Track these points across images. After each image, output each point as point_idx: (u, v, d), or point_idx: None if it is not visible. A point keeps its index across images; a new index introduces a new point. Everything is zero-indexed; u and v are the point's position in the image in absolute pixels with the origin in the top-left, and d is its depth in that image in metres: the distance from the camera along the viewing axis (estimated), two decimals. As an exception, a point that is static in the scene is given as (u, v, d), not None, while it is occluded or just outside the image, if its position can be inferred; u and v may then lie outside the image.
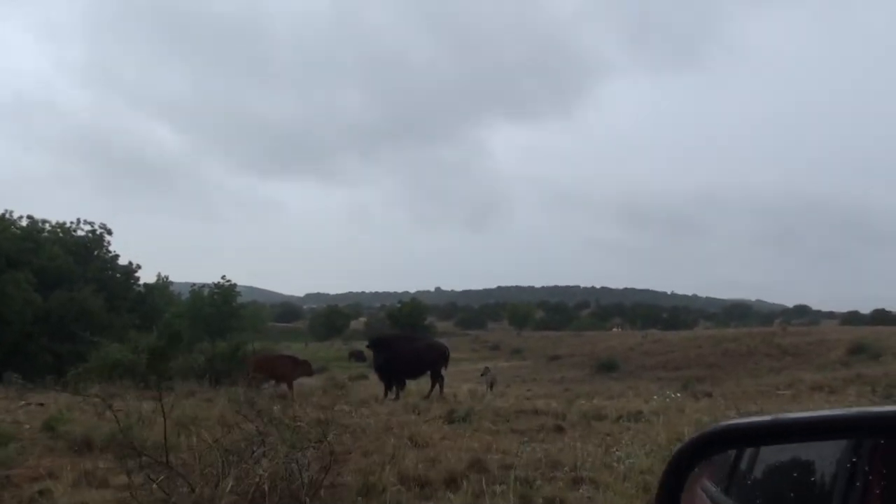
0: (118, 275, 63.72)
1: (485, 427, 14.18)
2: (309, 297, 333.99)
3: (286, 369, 25.00)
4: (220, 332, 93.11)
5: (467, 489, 7.91)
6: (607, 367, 59.98)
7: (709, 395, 28.72)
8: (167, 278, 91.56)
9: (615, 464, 9.42)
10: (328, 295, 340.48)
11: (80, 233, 62.71)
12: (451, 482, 8.35)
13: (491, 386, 38.23)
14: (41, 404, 18.16)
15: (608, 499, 7.72)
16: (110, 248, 63.87)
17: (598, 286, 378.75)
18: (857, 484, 1.67)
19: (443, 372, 25.94)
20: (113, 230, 64.55)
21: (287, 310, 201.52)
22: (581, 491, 8.23)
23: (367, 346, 26.91)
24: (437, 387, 25.23)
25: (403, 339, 28.23)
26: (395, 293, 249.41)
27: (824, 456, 1.83)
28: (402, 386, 24.81)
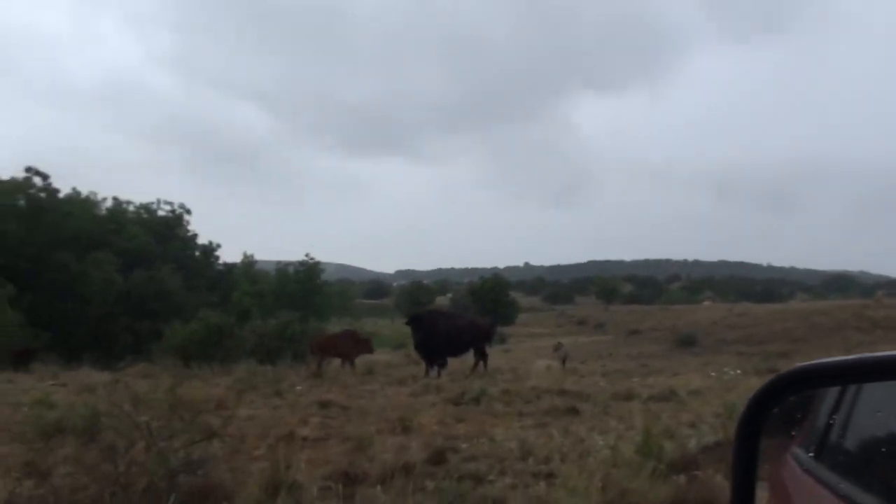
0: (197, 253, 64.87)
1: (494, 410, 13.23)
2: (399, 273, 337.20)
3: (347, 347, 25.00)
4: (304, 309, 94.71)
5: (392, 487, 7.00)
6: (687, 341, 57.85)
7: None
8: (252, 257, 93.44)
9: (594, 454, 8.36)
10: (418, 272, 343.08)
11: (160, 213, 63.90)
12: (390, 478, 7.46)
13: (563, 361, 37.39)
14: (64, 384, 18.02)
15: (555, 499, 6.70)
16: (189, 228, 64.99)
17: (689, 259, 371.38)
18: None
19: (487, 349, 25.07)
20: (192, 210, 65.73)
21: (376, 287, 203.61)
22: (532, 490, 7.22)
23: (406, 323, 26.20)
24: (482, 364, 24.39)
25: (444, 315, 27.24)
26: (485, 269, 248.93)
27: None
28: (443, 364, 24.02)
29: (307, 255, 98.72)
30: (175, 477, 5.85)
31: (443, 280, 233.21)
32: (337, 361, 25.31)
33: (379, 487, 7.09)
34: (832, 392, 2.17)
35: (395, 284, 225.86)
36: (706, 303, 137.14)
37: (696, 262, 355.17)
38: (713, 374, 23.46)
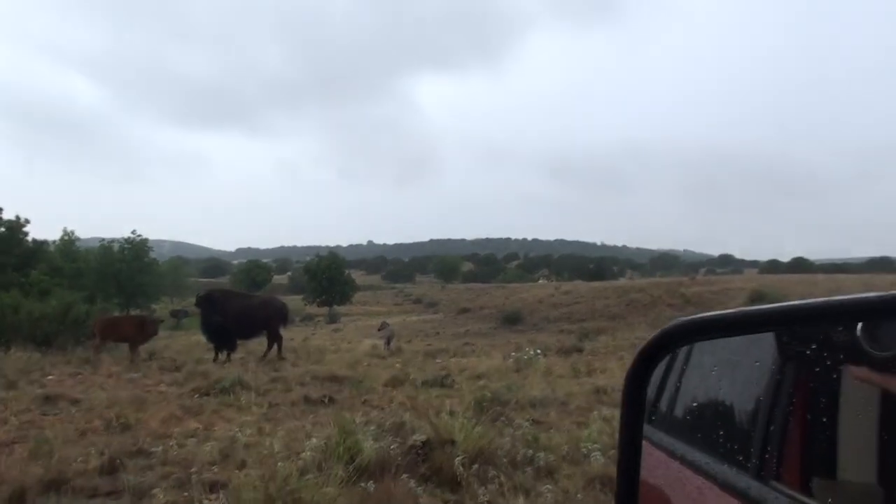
0: (2, 229, 59.88)
1: (242, 402, 11.99)
2: (240, 252, 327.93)
3: (132, 331, 22.83)
4: (131, 289, 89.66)
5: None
6: (512, 319, 58.51)
7: (579, 350, 27.18)
8: (73, 233, 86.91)
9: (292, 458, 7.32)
10: (259, 250, 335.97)
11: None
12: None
13: (388, 342, 36.58)
14: None
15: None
16: (-10, 202, 59.85)
17: (529, 238, 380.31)
18: (784, 383, 1.72)
19: (281, 331, 23.76)
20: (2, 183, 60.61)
21: (213, 265, 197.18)
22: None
23: (195, 304, 24.52)
24: (276, 347, 23.07)
25: (234, 295, 25.59)
26: (327, 247, 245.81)
27: (750, 362, 1.88)
28: (232, 348, 22.55)
29: (133, 232, 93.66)
30: None
31: (283, 258, 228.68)
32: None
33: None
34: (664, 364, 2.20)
35: (234, 263, 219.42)
36: (540, 281, 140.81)
37: (536, 241, 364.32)
38: (514, 354, 23.10)
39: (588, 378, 16.31)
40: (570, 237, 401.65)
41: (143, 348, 23.15)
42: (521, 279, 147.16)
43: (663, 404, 2.25)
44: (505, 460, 7.33)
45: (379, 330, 39.41)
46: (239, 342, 23.19)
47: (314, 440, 7.71)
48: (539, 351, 23.60)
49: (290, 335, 53.08)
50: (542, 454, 7.77)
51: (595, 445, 8.17)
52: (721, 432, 1.92)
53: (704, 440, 1.97)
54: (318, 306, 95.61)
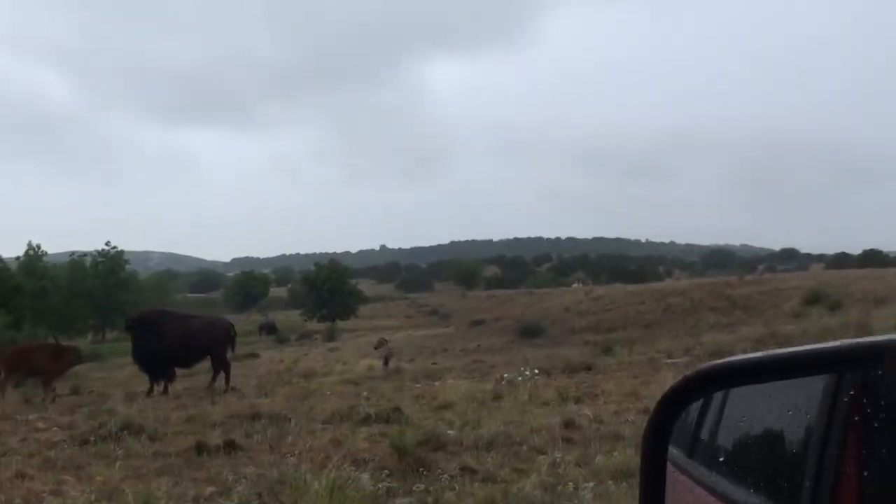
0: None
1: (118, 453, 11.16)
2: (235, 262, 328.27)
3: (45, 361, 22.09)
4: (107, 308, 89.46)
5: None
6: (530, 332, 57.43)
7: (588, 368, 26.14)
8: (38, 247, 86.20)
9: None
10: (258, 259, 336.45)
11: None
12: None
13: (386, 361, 36.09)
14: None
15: None
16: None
17: (563, 237, 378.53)
18: (835, 423, 1.72)
19: (228, 357, 22.96)
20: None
21: (205, 278, 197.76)
22: None
23: (126, 327, 23.82)
24: (223, 377, 22.27)
25: (172, 316, 24.57)
26: (334, 254, 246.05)
27: (798, 400, 1.89)
28: (169, 377, 21.81)
29: (107, 244, 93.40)
30: None
31: (285, 268, 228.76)
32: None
33: None
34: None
35: (231, 275, 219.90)
36: (575, 285, 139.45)
37: (571, 240, 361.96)
38: (506, 375, 22.25)
39: (574, 406, 15.40)
40: (610, 234, 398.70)
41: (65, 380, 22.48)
42: (554, 283, 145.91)
43: (704, 436, 2.30)
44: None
45: (376, 348, 38.76)
46: (179, 371, 22.51)
47: None
48: (536, 371, 22.64)
49: (281, 357, 52.59)
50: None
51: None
52: (769, 471, 1.93)
53: (750, 477, 1.96)
54: (319, 321, 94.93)
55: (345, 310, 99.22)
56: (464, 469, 9.36)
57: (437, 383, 24.21)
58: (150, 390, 21.29)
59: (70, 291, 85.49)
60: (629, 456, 8.83)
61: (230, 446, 11.15)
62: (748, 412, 2.09)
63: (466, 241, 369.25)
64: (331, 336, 74.39)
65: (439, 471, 8.99)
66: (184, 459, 10.63)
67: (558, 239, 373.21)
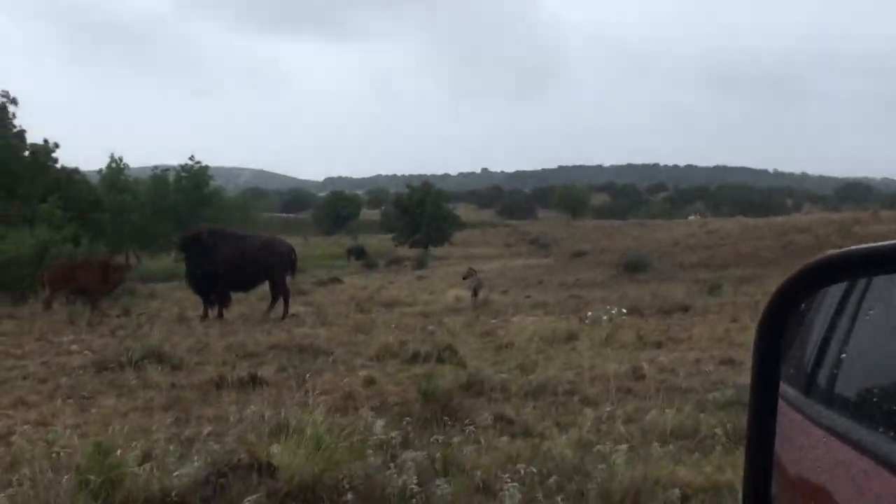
0: (25, 154, 61.05)
1: (132, 383, 11.04)
2: (329, 181, 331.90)
3: (91, 279, 22.31)
4: (191, 225, 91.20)
5: None
6: (634, 266, 56.19)
7: (685, 309, 25.28)
8: (121, 160, 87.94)
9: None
10: (352, 179, 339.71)
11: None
12: None
13: (475, 293, 35.93)
14: None
15: None
16: (15, 123, 60.86)
17: (682, 165, 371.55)
18: None
19: (288, 282, 22.75)
20: (19, 100, 61.52)
21: (295, 197, 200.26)
22: None
23: (178, 248, 23.81)
24: (282, 302, 22.13)
25: (228, 236, 24.13)
26: (432, 176, 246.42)
27: None
28: (223, 302, 21.78)
29: (191, 158, 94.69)
30: None
31: (379, 189, 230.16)
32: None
33: None
34: (821, 317, 2.14)
35: (323, 195, 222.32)
36: (692, 217, 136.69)
37: (690, 168, 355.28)
38: (591, 313, 21.65)
39: (653, 351, 14.73)
40: (733, 163, 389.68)
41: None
42: (667, 215, 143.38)
43: (823, 372, 2.13)
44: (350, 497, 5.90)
45: (464, 278, 38.49)
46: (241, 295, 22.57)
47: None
48: (623, 311, 21.92)
49: (365, 283, 52.82)
50: (440, 483, 6.31)
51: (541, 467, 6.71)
52: None
53: (882, 417, 1.75)
54: (411, 247, 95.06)
55: (439, 235, 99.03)
56: (499, 419, 8.85)
57: (514, 319, 23.77)
58: (205, 315, 21.32)
59: (152, 207, 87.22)
60: (685, 415, 8.18)
61: (253, 381, 10.88)
62: (885, 338, 1.84)
63: (574, 167, 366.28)
64: (421, 263, 74.38)
65: (467, 420, 8.48)
66: (200, 393, 10.44)
67: (676, 167, 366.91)
